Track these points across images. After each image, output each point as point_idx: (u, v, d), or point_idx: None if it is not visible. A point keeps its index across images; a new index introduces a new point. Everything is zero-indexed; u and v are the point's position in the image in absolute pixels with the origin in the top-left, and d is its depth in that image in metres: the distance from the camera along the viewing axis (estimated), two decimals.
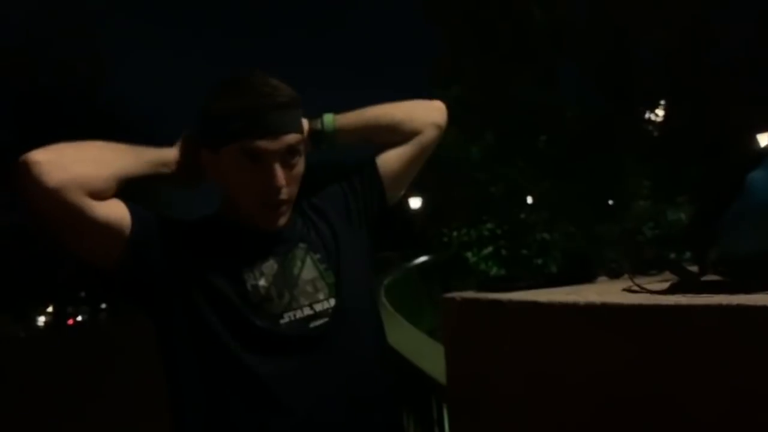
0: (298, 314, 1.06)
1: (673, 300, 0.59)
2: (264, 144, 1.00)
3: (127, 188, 1.02)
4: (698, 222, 0.70)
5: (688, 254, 0.76)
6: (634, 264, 0.83)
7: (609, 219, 11.35)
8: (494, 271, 11.98)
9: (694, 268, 0.70)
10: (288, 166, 1.04)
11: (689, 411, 0.55)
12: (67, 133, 1.02)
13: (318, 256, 1.13)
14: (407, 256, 18.47)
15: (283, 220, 1.08)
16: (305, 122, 1.18)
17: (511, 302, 0.83)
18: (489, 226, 12.54)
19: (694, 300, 0.56)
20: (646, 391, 0.59)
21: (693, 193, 10.90)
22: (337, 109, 1.24)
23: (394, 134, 1.26)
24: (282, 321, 1.05)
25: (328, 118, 1.21)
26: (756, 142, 11.85)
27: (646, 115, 12.91)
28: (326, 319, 1.08)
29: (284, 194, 1.04)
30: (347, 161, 1.33)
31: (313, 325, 1.07)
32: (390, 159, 1.26)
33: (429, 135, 1.28)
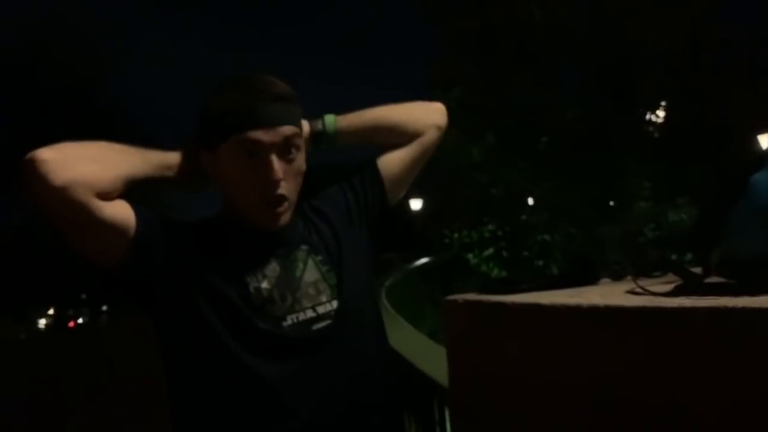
0: (301, 316, 1.06)
1: (676, 302, 0.58)
2: (258, 135, 1.00)
3: (129, 190, 1.02)
4: (702, 224, 0.69)
5: (689, 256, 0.75)
6: (637, 266, 0.83)
7: (610, 220, 11.34)
8: (495, 272, 11.97)
9: (697, 270, 0.70)
10: (286, 161, 1.04)
11: (693, 413, 0.55)
12: (67, 134, 1.02)
13: (320, 257, 1.13)
14: (408, 257, 18.47)
15: (284, 220, 1.07)
16: (306, 123, 1.18)
17: (513, 304, 0.82)
18: (490, 227, 12.53)
19: (698, 302, 0.56)
20: (650, 393, 0.59)
21: (694, 195, 10.89)
22: (339, 105, 1.24)
23: (395, 136, 1.26)
24: (285, 323, 1.05)
25: (329, 119, 1.21)
26: (757, 142, 11.85)
27: (647, 116, 12.90)
28: (329, 321, 1.08)
29: (283, 189, 1.04)
30: (348, 162, 1.33)
31: (315, 327, 1.07)
32: (391, 160, 1.26)
33: (430, 136, 1.28)
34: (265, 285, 1.06)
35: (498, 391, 0.87)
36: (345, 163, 1.34)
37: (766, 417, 0.49)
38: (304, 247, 1.13)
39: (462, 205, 13.41)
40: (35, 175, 0.91)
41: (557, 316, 0.72)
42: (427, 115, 1.30)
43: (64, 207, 0.93)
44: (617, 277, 0.96)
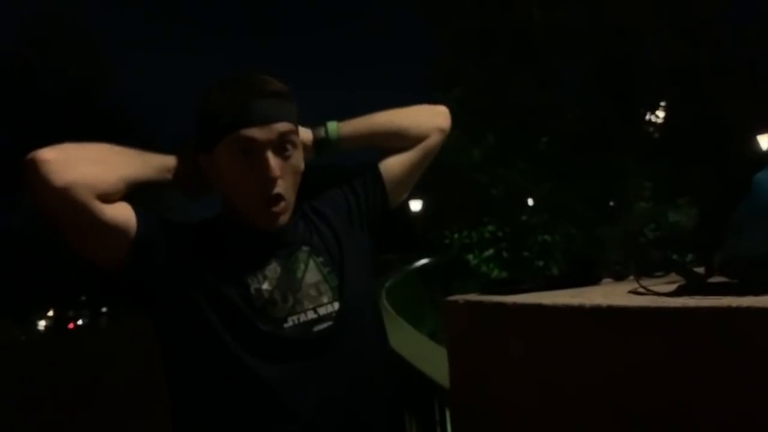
0: (302, 318, 1.06)
1: (680, 302, 0.58)
2: (253, 132, 0.99)
3: (130, 192, 1.02)
4: (705, 223, 0.69)
5: (690, 256, 0.75)
6: (639, 266, 0.83)
7: (610, 221, 11.34)
8: (495, 273, 11.96)
9: (700, 270, 0.69)
10: (282, 158, 1.03)
11: (697, 413, 0.55)
12: (68, 136, 1.01)
13: (321, 259, 1.13)
14: (408, 258, 18.47)
15: (282, 220, 1.07)
16: (308, 131, 1.17)
17: (515, 305, 0.82)
18: (490, 228, 12.52)
19: (701, 302, 0.56)
20: (653, 393, 0.58)
21: (694, 195, 10.89)
22: (339, 108, 1.24)
23: (399, 141, 1.26)
24: (286, 325, 1.04)
25: (332, 126, 1.21)
26: (757, 143, 11.86)
27: (647, 117, 12.90)
28: (330, 323, 1.07)
29: (280, 187, 1.03)
30: (349, 165, 1.33)
31: (316, 328, 1.06)
32: (393, 164, 1.25)
33: (433, 140, 1.28)
34: (266, 286, 1.05)
35: (499, 392, 0.87)
36: (346, 166, 1.33)
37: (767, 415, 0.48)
38: (305, 248, 1.12)
39: (462, 205, 13.39)
40: (37, 175, 0.90)
41: (559, 316, 0.72)
42: (431, 119, 1.29)
43: (65, 207, 0.93)
44: (619, 277, 0.95)
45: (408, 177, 1.28)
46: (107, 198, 0.96)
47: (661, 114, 12.89)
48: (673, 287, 0.68)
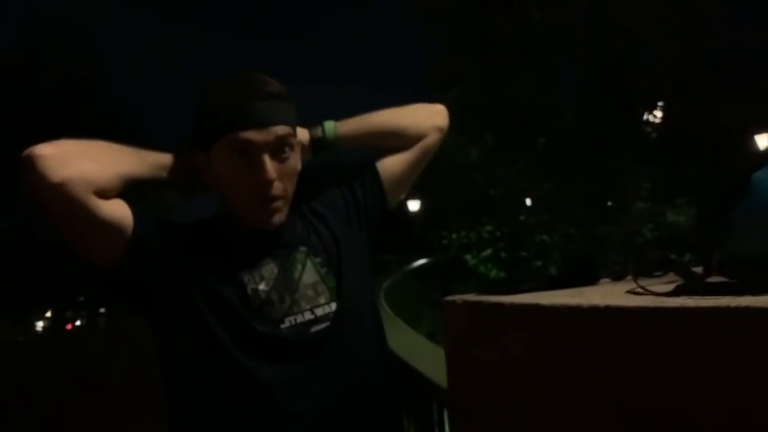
0: (299, 318, 1.05)
1: (678, 302, 0.58)
2: (250, 135, 0.99)
3: (126, 190, 1.02)
4: (703, 223, 0.69)
5: (687, 256, 0.75)
6: (638, 266, 0.82)
7: (609, 221, 11.34)
8: (494, 273, 11.96)
9: (698, 270, 0.69)
10: (279, 160, 1.02)
11: (696, 413, 0.54)
12: (66, 136, 1.01)
13: (319, 259, 1.12)
14: (406, 258, 18.45)
15: (278, 217, 1.06)
16: (305, 131, 1.17)
17: (513, 305, 0.82)
18: (488, 228, 12.52)
19: (700, 302, 0.55)
20: (652, 393, 0.58)
21: (692, 195, 10.91)
22: (338, 107, 1.23)
23: (397, 140, 1.25)
24: (283, 326, 1.04)
25: (329, 126, 1.20)
26: (754, 142, 11.89)
27: (645, 117, 12.92)
28: (327, 324, 1.07)
29: (277, 189, 1.03)
30: (347, 165, 1.32)
31: (314, 329, 1.06)
32: (392, 163, 1.25)
33: (431, 139, 1.27)
34: (262, 287, 1.05)
35: (497, 392, 0.87)
36: (345, 166, 1.33)
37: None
38: (302, 248, 1.12)
39: (460, 205, 13.39)
40: (33, 171, 0.90)
41: (557, 316, 0.71)
42: (429, 118, 1.29)
43: (62, 203, 0.92)
44: (617, 277, 0.95)
45: (406, 176, 1.28)
46: (103, 194, 0.96)
47: (659, 114, 12.91)
48: (671, 287, 0.68)
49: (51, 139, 0.95)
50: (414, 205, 19.39)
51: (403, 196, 1.32)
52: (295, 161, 1.07)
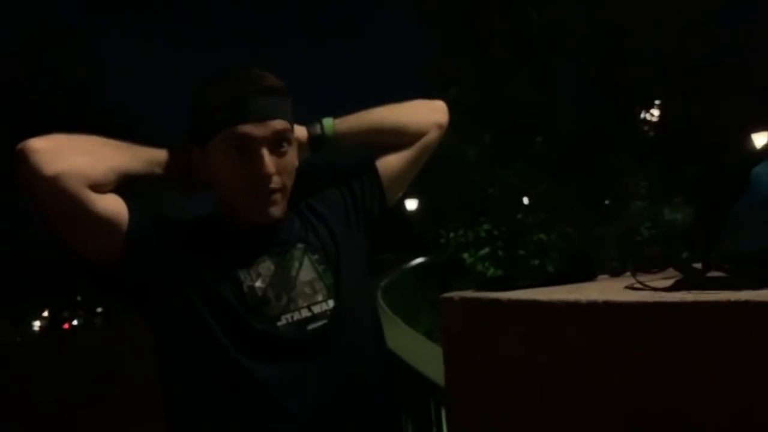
0: (296, 316, 1.05)
1: (678, 296, 0.57)
2: (248, 129, 0.99)
3: (120, 187, 1.01)
4: (702, 218, 0.68)
5: (684, 254, 0.74)
6: (636, 261, 0.82)
7: (606, 220, 11.35)
8: (491, 272, 11.96)
9: (697, 265, 0.69)
10: (277, 154, 1.02)
11: (696, 408, 0.54)
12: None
13: (316, 257, 1.12)
14: (404, 257, 18.46)
15: (277, 210, 1.06)
16: (303, 128, 1.16)
17: (510, 301, 0.81)
18: (486, 227, 12.50)
19: (700, 296, 0.55)
20: (651, 389, 0.58)
21: (690, 193, 10.93)
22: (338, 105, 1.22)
23: (397, 137, 1.24)
24: (279, 323, 1.03)
25: (328, 123, 1.19)
26: (751, 141, 11.92)
27: (642, 115, 12.94)
28: (324, 321, 1.06)
29: (275, 183, 1.02)
30: (346, 163, 1.31)
31: (311, 327, 1.05)
32: (391, 161, 1.24)
33: (432, 136, 1.26)
34: (259, 284, 1.04)
35: (495, 389, 0.86)
36: (343, 164, 1.32)
37: None
38: (300, 245, 1.11)
39: (458, 204, 13.39)
40: (27, 165, 0.90)
41: (555, 312, 0.71)
42: (429, 115, 1.28)
43: (55, 197, 0.92)
44: (616, 273, 0.95)
45: (406, 174, 1.27)
46: (97, 188, 0.95)
47: (656, 112, 12.93)
48: (670, 282, 0.68)
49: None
50: (412, 204, 19.39)
51: (401, 194, 1.31)
52: (293, 156, 1.06)
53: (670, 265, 0.75)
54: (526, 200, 12.96)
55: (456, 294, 0.96)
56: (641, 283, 0.70)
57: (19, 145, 0.91)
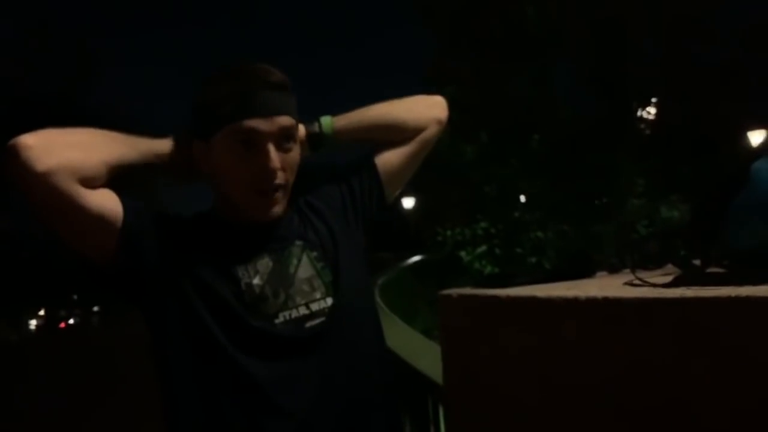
0: (294, 314, 1.04)
1: (678, 293, 0.57)
2: (255, 124, 0.98)
3: (116, 179, 1.00)
4: (702, 214, 0.68)
5: (682, 252, 0.74)
6: (635, 258, 0.82)
7: (603, 217, 11.36)
8: (488, 270, 11.97)
9: (696, 262, 0.68)
10: (282, 150, 1.02)
11: (695, 404, 0.54)
12: None
13: (315, 254, 1.11)
14: (402, 256, 18.46)
15: (278, 209, 1.05)
16: (301, 127, 1.16)
17: (509, 298, 0.81)
18: (483, 225, 12.51)
19: (700, 292, 0.55)
20: (651, 385, 0.58)
21: (687, 191, 10.95)
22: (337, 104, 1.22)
23: (396, 133, 1.23)
24: (277, 321, 1.03)
25: (326, 121, 1.19)
26: (747, 139, 11.95)
27: (639, 113, 12.95)
28: (323, 319, 1.06)
29: (280, 179, 1.02)
30: (345, 159, 1.30)
31: (309, 324, 1.04)
32: (390, 157, 1.23)
33: (431, 131, 1.26)
34: (257, 281, 1.04)
35: (494, 386, 0.86)
36: (342, 160, 1.31)
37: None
38: (298, 242, 1.11)
39: (455, 202, 13.40)
40: (18, 161, 0.89)
41: (554, 308, 0.71)
42: (428, 111, 1.27)
43: (48, 193, 0.91)
44: (614, 270, 0.95)
45: (405, 170, 1.26)
46: (90, 183, 0.94)
47: (653, 110, 12.94)
48: (669, 278, 0.68)
49: None
50: (409, 203, 19.40)
51: (400, 190, 1.31)
52: (297, 153, 1.06)
53: (669, 262, 0.75)
54: (523, 198, 12.98)
55: (454, 291, 0.96)
56: (640, 279, 0.70)
57: (11, 141, 0.90)
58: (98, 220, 0.96)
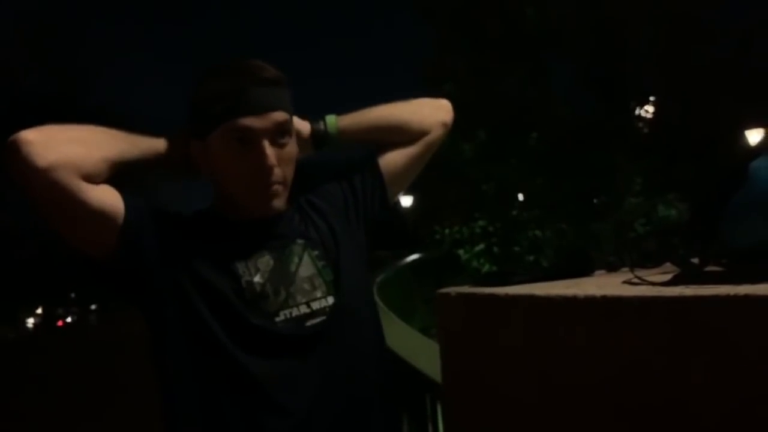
0: (294, 312, 1.04)
1: (677, 291, 0.57)
2: (250, 122, 0.98)
3: (116, 176, 1.00)
4: (700, 212, 0.68)
5: (681, 249, 0.74)
6: (633, 256, 0.82)
7: (601, 216, 11.37)
8: (486, 268, 11.97)
9: (694, 260, 0.69)
10: (278, 146, 1.02)
11: (695, 403, 0.54)
12: None
13: (316, 252, 1.11)
14: (400, 254, 18.46)
15: (278, 203, 1.05)
16: (306, 124, 1.15)
17: (508, 296, 0.81)
18: (481, 223, 12.51)
19: (698, 291, 0.55)
20: (650, 384, 0.58)
21: (684, 190, 10.96)
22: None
23: (401, 135, 1.23)
24: (277, 319, 1.03)
25: (331, 120, 1.18)
26: (745, 138, 11.97)
27: (637, 112, 12.96)
28: (323, 318, 1.06)
29: (277, 175, 1.02)
30: (348, 158, 1.29)
31: (309, 323, 1.04)
32: (394, 158, 1.23)
33: (435, 134, 1.25)
34: (257, 279, 1.04)
35: (492, 385, 0.86)
36: (345, 160, 1.30)
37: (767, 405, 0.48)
38: (300, 241, 1.11)
39: (453, 201, 13.39)
40: (18, 157, 0.89)
41: (553, 307, 0.71)
42: (433, 113, 1.27)
43: (49, 188, 0.91)
44: (613, 268, 0.95)
45: (408, 172, 1.26)
46: (91, 179, 0.94)
47: (651, 109, 12.95)
48: (668, 277, 0.68)
49: None
50: (407, 201, 19.39)
51: (402, 191, 1.31)
52: (293, 148, 1.06)
53: (667, 260, 0.75)
54: (521, 197, 12.98)
55: (453, 290, 0.96)
56: (639, 278, 0.70)
57: (12, 137, 0.90)
58: (99, 216, 0.96)
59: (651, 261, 0.82)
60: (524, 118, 11.85)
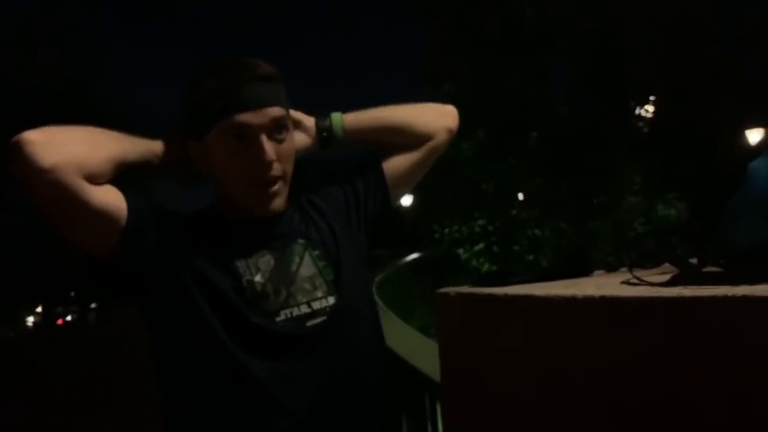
0: (295, 312, 1.04)
1: (675, 292, 0.57)
2: (246, 118, 0.98)
3: (118, 177, 1.00)
4: (699, 213, 0.68)
5: (679, 251, 0.74)
6: (632, 257, 0.82)
7: (600, 215, 11.38)
8: (486, 267, 11.97)
9: (693, 260, 0.69)
10: (276, 141, 1.02)
11: (694, 403, 0.54)
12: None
13: (317, 252, 1.11)
14: (399, 253, 18.47)
15: (278, 202, 1.05)
16: (311, 120, 1.15)
17: (507, 296, 0.81)
18: (480, 222, 12.51)
19: (697, 291, 0.55)
20: (649, 384, 0.58)
21: (684, 189, 10.97)
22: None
23: (405, 136, 1.22)
24: (278, 318, 1.03)
25: (336, 118, 1.18)
26: (745, 137, 11.97)
27: (637, 111, 12.96)
28: (324, 318, 1.06)
29: (276, 170, 1.02)
30: (351, 158, 1.29)
31: (310, 323, 1.04)
32: (397, 161, 1.23)
33: (440, 139, 1.25)
34: (258, 278, 1.04)
35: (491, 384, 0.86)
36: (348, 160, 1.30)
37: (766, 405, 0.48)
38: (301, 241, 1.11)
39: (452, 200, 13.39)
40: (21, 157, 0.89)
41: (552, 307, 0.71)
42: (439, 118, 1.26)
43: (51, 189, 0.91)
44: (612, 268, 0.95)
45: (411, 175, 1.25)
46: (94, 179, 0.94)
47: (650, 109, 12.95)
48: (667, 277, 0.68)
49: None
50: (406, 200, 19.38)
51: (405, 194, 1.30)
52: (291, 142, 1.06)
53: (666, 261, 0.75)
54: (520, 196, 12.98)
55: (452, 289, 0.96)
56: (638, 278, 0.70)
57: (14, 138, 0.90)
58: (102, 215, 0.96)
59: (650, 261, 0.82)
60: (524, 118, 11.84)
